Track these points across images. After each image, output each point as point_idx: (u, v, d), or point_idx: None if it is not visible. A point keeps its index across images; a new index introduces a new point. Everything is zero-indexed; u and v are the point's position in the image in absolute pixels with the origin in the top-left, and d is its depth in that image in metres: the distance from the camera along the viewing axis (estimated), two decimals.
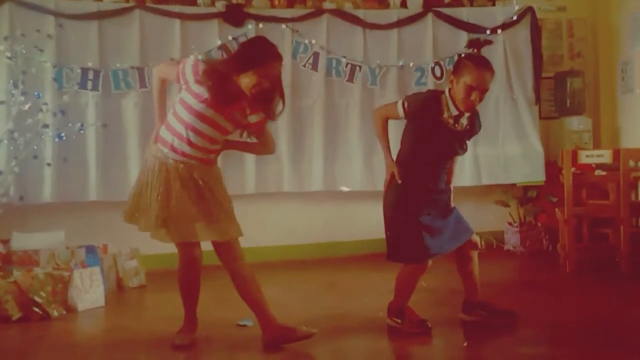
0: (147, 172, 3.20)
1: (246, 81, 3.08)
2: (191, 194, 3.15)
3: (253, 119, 3.22)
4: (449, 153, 3.43)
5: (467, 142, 3.47)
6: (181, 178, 3.13)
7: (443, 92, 3.38)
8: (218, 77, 3.07)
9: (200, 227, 3.15)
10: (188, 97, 3.13)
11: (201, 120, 3.11)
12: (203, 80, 3.08)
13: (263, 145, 3.39)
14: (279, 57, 3.13)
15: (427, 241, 3.33)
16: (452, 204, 3.52)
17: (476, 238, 3.56)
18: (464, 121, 3.38)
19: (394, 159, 3.46)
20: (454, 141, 3.38)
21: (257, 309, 3.28)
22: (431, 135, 3.34)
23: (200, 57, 3.15)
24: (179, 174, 3.14)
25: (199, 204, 3.16)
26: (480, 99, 3.29)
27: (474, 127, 3.47)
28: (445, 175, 3.47)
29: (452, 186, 3.54)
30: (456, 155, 3.48)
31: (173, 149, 3.15)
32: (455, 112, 3.32)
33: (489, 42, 3.46)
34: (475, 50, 3.39)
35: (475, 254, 3.56)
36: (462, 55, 3.42)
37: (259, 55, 3.09)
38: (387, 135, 3.47)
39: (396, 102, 3.43)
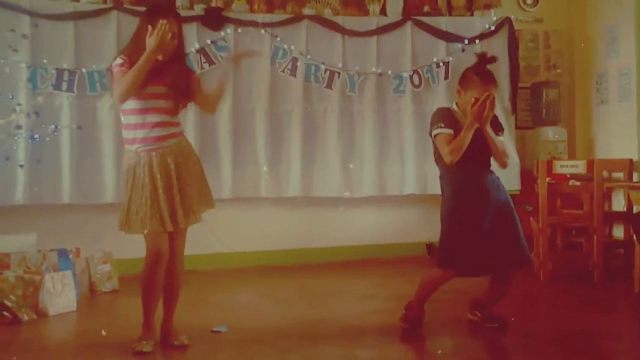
0: (126, 174, 3.23)
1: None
2: (165, 185, 3.17)
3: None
4: (482, 151, 3.45)
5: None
6: (157, 168, 3.16)
7: (450, 107, 3.52)
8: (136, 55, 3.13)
9: (170, 217, 3.17)
10: None
11: (149, 99, 3.16)
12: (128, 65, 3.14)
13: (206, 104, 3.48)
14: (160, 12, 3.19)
15: (466, 255, 3.37)
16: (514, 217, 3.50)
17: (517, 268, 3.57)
18: None
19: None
20: (480, 137, 3.40)
21: (169, 309, 3.35)
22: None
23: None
24: (153, 164, 3.17)
25: (171, 194, 3.17)
26: (490, 113, 3.37)
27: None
28: (489, 162, 3.51)
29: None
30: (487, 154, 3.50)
31: (142, 141, 3.18)
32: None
33: (494, 60, 3.56)
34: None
35: (511, 274, 3.56)
36: (468, 68, 3.53)
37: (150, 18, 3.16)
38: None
39: (437, 138, 3.45)
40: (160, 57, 3.15)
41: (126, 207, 3.20)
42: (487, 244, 3.37)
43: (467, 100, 3.36)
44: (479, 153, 3.43)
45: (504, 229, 3.43)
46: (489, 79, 3.41)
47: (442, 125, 3.41)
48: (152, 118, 3.19)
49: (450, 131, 3.38)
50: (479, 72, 3.44)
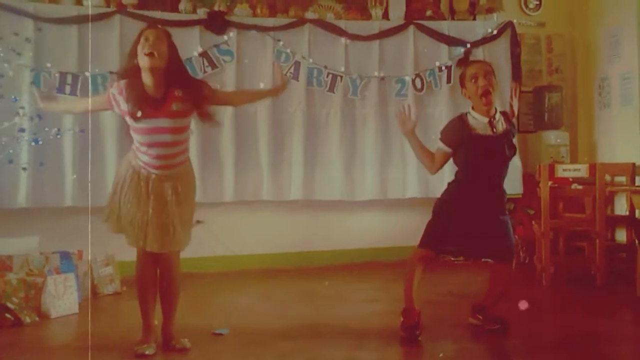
0: (120, 176, 3.28)
1: (142, 63, 3.12)
2: (155, 205, 3.20)
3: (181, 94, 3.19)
4: (499, 159, 3.54)
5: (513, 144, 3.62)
6: (152, 189, 3.21)
7: (466, 113, 3.57)
8: (132, 86, 3.15)
9: (153, 237, 3.20)
10: (129, 120, 3.22)
11: (151, 134, 3.18)
12: (125, 97, 3.16)
13: (233, 98, 3.84)
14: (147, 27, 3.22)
15: (442, 235, 3.47)
16: (506, 217, 3.61)
17: (508, 266, 3.62)
18: (500, 125, 3.52)
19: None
20: (500, 146, 3.50)
21: (168, 313, 3.36)
22: (472, 151, 3.49)
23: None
24: (150, 185, 3.22)
25: (160, 216, 3.20)
26: (490, 84, 3.46)
27: (510, 127, 3.60)
28: (502, 182, 3.61)
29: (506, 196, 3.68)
30: (507, 159, 3.57)
31: (146, 164, 3.23)
32: (485, 119, 3.48)
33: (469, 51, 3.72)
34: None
35: (506, 274, 3.62)
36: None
37: (134, 42, 3.17)
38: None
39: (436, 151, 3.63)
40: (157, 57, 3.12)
41: (114, 206, 3.24)
42: (470, 229, 3.48)
43: (470, 89, 3.50)
44: (495, 168, 3.53)
45: (492, 222, 3.53)
46: (475, 60, 3.73)
47: (440, 139, 3.58)
48: (156, 151, 3.21)
49: (445, 149, 3.54)
50: (465, 64, 3.76)
